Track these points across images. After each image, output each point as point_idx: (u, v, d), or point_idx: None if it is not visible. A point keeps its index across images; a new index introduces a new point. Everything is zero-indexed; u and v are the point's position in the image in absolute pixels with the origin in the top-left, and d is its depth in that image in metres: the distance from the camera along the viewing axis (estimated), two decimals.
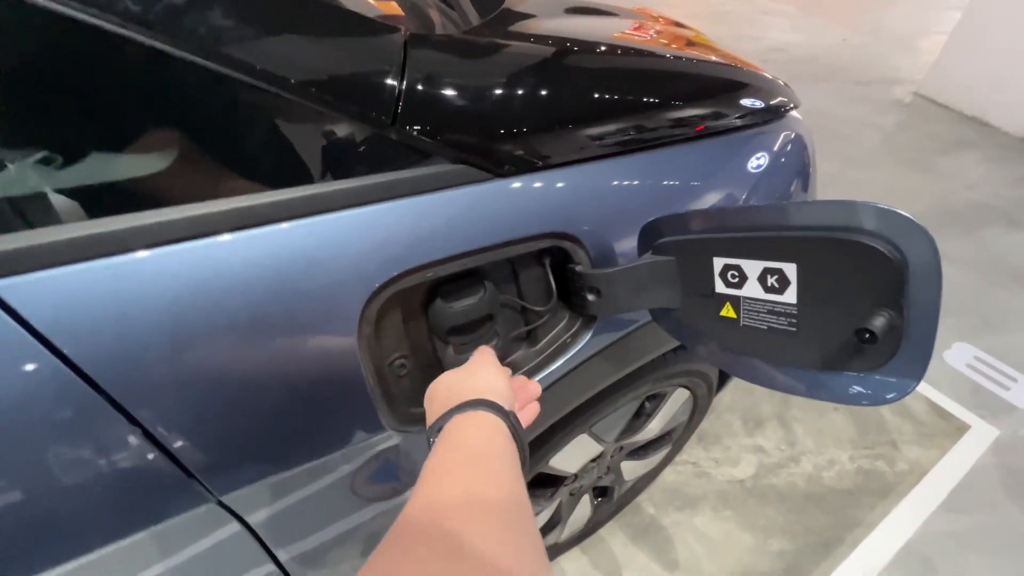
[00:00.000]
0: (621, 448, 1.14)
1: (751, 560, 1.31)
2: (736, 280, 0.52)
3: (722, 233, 0.53)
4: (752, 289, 0.51)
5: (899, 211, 0.41)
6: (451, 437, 0.40)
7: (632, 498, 1.40)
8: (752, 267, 0.50)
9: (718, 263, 0.53)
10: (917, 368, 0.43)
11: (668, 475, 1.47)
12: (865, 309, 0.43)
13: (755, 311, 0.52)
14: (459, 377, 0.48)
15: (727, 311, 0.55)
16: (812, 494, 1.44)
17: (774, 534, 1.36)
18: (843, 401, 0.49)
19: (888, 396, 0.45)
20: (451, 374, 0.49)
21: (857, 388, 0.47)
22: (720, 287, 0.54)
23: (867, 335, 0.41)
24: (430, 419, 0.46)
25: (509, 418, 0.42)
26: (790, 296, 0.48)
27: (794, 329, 0.49)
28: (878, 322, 0.41)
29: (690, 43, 0.97)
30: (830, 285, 0.45)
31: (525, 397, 0.54)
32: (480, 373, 0.48)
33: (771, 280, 0.49)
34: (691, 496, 1.43)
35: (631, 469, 1.22)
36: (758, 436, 1.58)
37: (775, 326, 0.50)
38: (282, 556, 0.59)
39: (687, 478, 1.48)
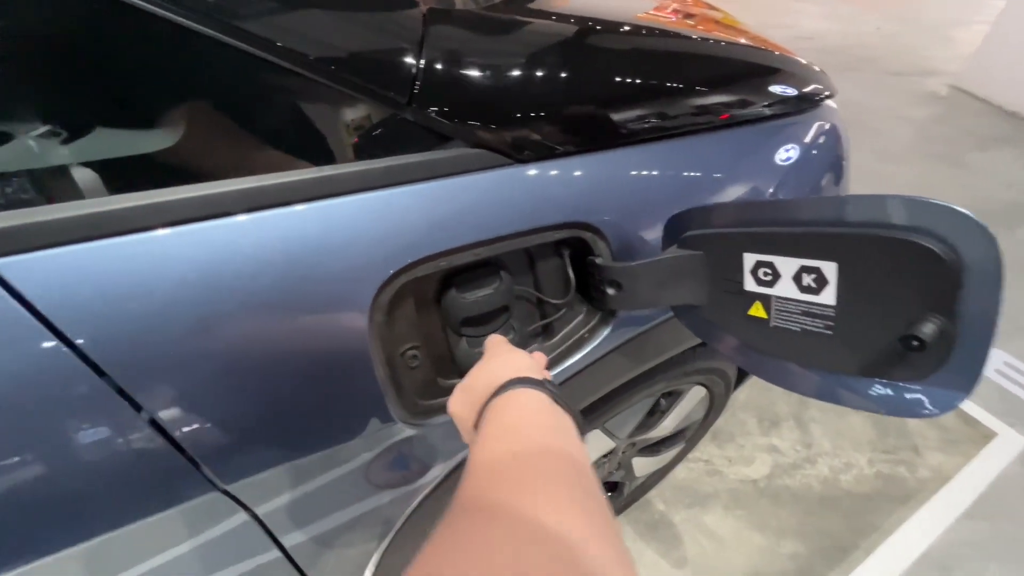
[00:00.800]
0: (633, 444, 1.11)
1: (762, 561, 1.29)
2: (768, 278, 0.49)
3: (755, 228, 0.50)
4: (785, 288, 0.48)
5: (957, 207, 0.37)
6: (491, 425, 0.37)
7: (642, 494, 1.38)
8: (787, 265, 0.47)
9: (749, 259, 0.50)
10: (966, 381, 0.40)
11: (679, 472, 1.44)
12: (913, 314, 0.39)
13: (788, 311, 0.49)
14: (477, 375, 0.45)
15: (756, 310, 0.52)
16: (828, 497, 1.40)
17: (787, 536, 1.33)
18: (880, 411, 0.46)
19: (930, 410, 0.42)
20: (470, 376, 0.47)
21: (897, 398, 0.44)
22: (750, 285, 0.51)
23: (915, 342, 0.38)
24: (464, 429, 0.44)
25: (546, 386, 0.40)
26: (828, 297, 0.45)
27: (830, 332, 0.46)
28: (927, 328, 0.38)
29: (718, 25, 0.92)
30: (875, 287, 0.42)
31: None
32: (497, 360, 0.46)
33: (807, 279, 0.46)
34: (702, 494, 1.41)
35: (642, 465, 1.20)
36: (773, 436, 1.55)
37: (809, 328, 0.47)
38: (288, 544, 0.58)
39: (699, 475, 1.45)
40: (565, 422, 0.37)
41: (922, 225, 0.39)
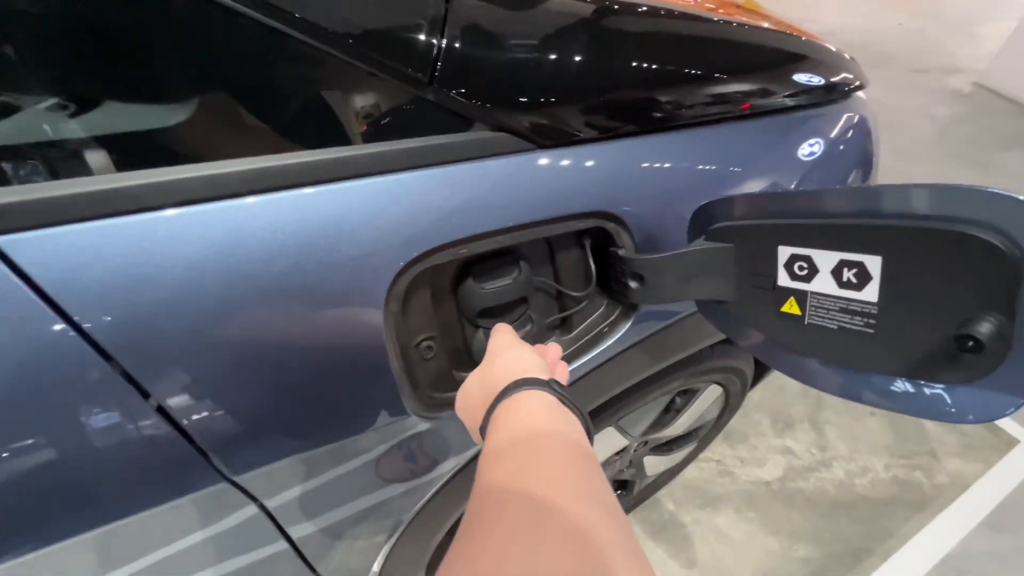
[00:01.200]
0: (646, 442, 1.09)
1: (774, 564, 1.26)
2: (804, 273, 0.47)
3: (791, 219, 0.48)
4: (823, 284, 0.46)
5: (1020, 196, 0.35)
6: (500, 428, 0.36)
7: (652, 493, 1.36)
8: (825, 259, 0.45)
9: (784, 253, 0.48)
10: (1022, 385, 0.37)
11: (690, 472, 1.42)
12: (967, 312, 0.37)
13: (825, 308, 0.46)
14: (485, 371, 0.44)
15: (790, 307, 0.49)
16: (842, 501, 1.38)
17: (800, 539, 1.30)
18: (922, 415, 0.43)
19: (978, 415, 0.40)
20: (475, 375, 0.45)
21: (942, 402, 0.41)
22: (784, 280, 0.49)
23: (970, 343, 0.36)
24: (473, 427, 0.43)
25: (552, 387, 0.39)
26: (870, 293, 0.42)
27: (871, 331, 0.43)
28: (984, 328, 0.35)
29: (740, 10, 0.89)
30: (924, 283, 0.39)
31: (551, 362, 0.50)
32: (503, 357, 0.44)
33: (848, 274, 0.43)
34: (713, 495, 1.39)
35: (653, 464, 1.18)
36: (788, 437, 1.52)
37: (848, 326, 0.45)
38: (296, 535, 0.57)
39: (710, 476, 1.43)
40: (573, 424, 0.36)
41: (979, 217, 0.36)
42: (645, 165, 0.59)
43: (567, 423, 0.36)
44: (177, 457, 0.42)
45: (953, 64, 3.92)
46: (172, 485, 0.43)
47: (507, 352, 0.45)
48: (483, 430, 0.39)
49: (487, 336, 0.58)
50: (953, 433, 1.53)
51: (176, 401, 0.40)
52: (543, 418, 0.36)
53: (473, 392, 0.43)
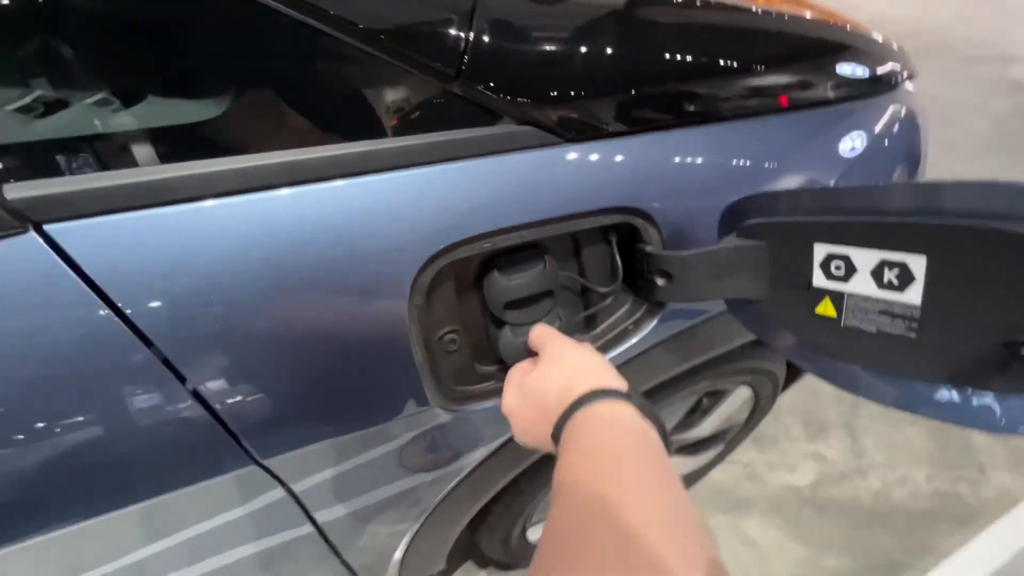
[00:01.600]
0: (671, 443, 1.08)
1: (801, 573, 1.22)
2: (842, 273, 0.45)
3: (827, 216, 0.46)
4: (861, 284, 0.43)
5: None
6: (582, 440, 0.35)
7: None
8: (865, 258, 0.42)
9: (820, 251, 0.46)
10: None
11: (716, 474, 1.39)
12: (1019, 317, 0.35)
13: (863, 310, 0.44)
14: (546, 380, 0.42)
15: (825, 308, 0.47)
16: (878, 512, 1.32)
17: (830, 549, 1.26)
18: (969, 425, 0.41)
19: None
20: (530, 382, 0.43)
21: (991, 411, 0.39)
22: (819, 279, 0.47)
23: (1023, 349, 0.33)
24: (525, 431, 0.42)
25: (630, 397, 0.38)
26: (913, 295, 0.40)
27: (914, 335, 0.41)
28: None
29: None
30: (973, 285, 0.37)
31: None
32: (568, 360, 0.42)
33: (889, 275, 0.41)
34: (740, 499, 1.35)
35: (678, 465, 1.16)
36: (820, 443, 1.47)
37: (888, 330, 0.43)
38: (321, 519, 0.59)
39: (737, 479, 1.39)
40: (652, 439, 0.35)
41: None
42: (676, 160, 0.58)
43: (647, 438, 0.35)
44: (210, 439, 0.43)
45: (1012, 54, 3.67)
46: (204, 466, 0.45)
47: (572, 355, 0.43)
48: (555, 437, 0.38)
49: (513, 332, 0.58)
50: (1001, 446, 1.44)
51: (210, 386, 0.42)
52: (625, 433, 0.35)
53: (536, 395, 0.41)
